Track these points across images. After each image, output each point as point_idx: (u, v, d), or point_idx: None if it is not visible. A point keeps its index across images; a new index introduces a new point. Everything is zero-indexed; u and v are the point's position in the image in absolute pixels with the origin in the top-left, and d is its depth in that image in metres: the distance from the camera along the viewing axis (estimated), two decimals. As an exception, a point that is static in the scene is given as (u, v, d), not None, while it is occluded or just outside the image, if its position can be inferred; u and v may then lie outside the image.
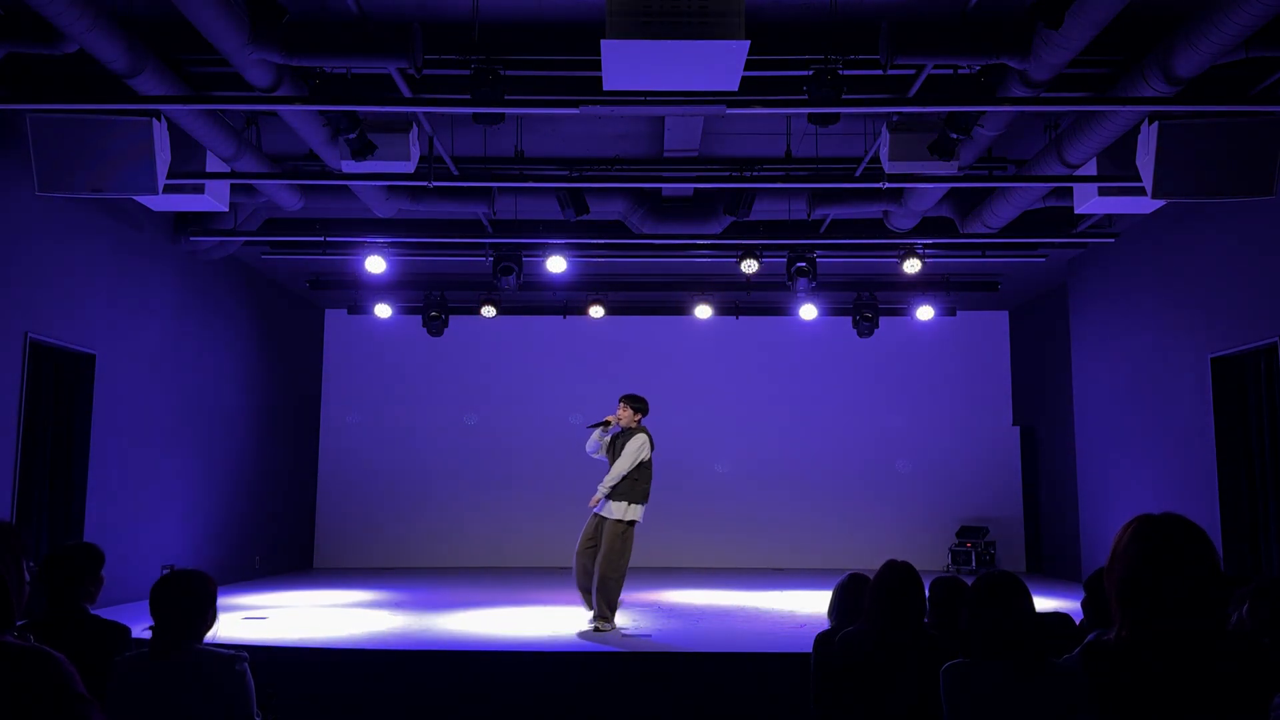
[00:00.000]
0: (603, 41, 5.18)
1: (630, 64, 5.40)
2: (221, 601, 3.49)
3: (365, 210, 9.38)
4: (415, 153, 7.33)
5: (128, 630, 3.75)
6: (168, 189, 7.52)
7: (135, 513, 9.52)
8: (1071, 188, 8.42)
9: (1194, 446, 9.01)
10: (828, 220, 10.11)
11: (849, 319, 12.99)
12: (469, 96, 6.51)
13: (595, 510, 7.78)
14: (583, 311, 13.10)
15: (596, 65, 6.13)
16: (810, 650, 4.18)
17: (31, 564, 2.39)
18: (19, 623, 2.39)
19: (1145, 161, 6.94)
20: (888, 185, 8.25)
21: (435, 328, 12.76)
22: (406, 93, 6.81)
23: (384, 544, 13.88)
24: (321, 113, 7.05)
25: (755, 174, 8.77)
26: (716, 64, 5.39)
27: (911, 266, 10.67)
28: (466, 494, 14.07)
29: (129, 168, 6.87)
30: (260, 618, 8.29)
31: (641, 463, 7.82)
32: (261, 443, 12.42)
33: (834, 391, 14.21)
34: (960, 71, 6.63)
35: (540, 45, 6.67)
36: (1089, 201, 8.16)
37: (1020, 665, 3.11)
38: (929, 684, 3.43)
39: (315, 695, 6.30)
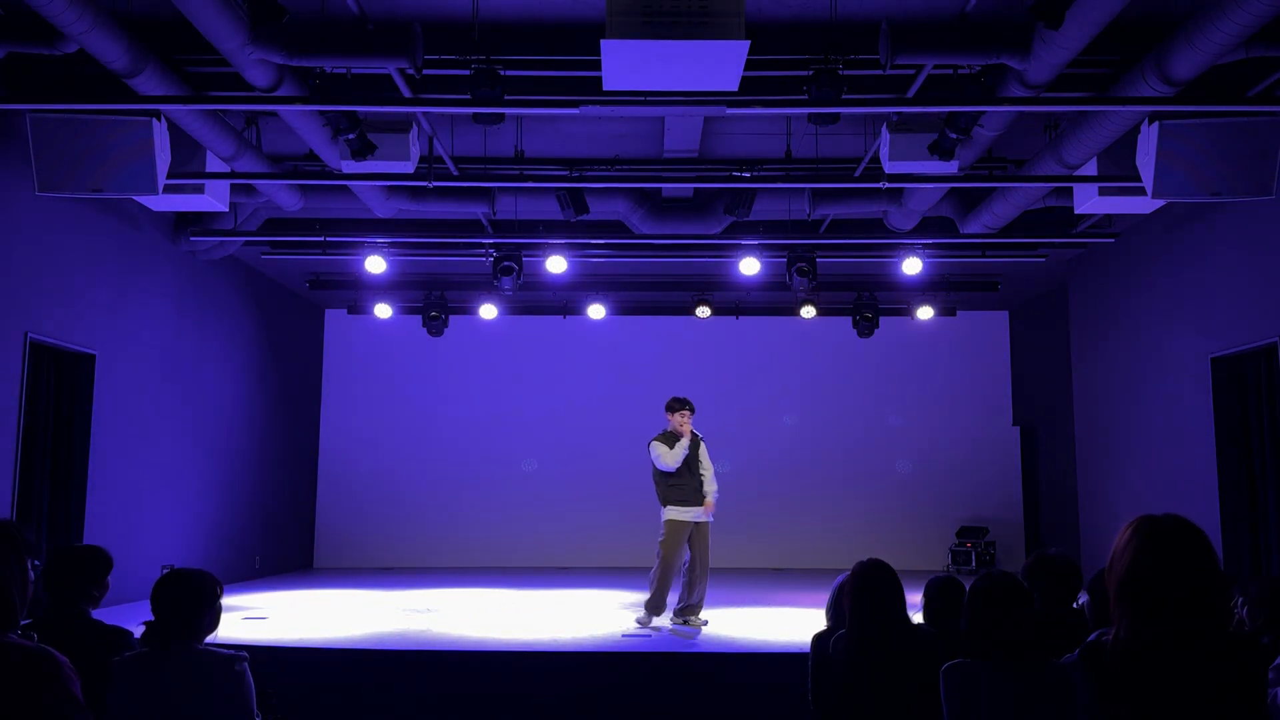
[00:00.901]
0: (603, 41, 5.18)
1: (630, 64, 5.40)
2: (221, 601, 3.49)
3: (365, 210, 9.38)
4: (415, 153, 7.33)
5: (129, 634, 3.72)
6: (168, 189, 7.52)
7: (135, 513, 9.52)
8: (1071, 188, 8.42)
9: (1194, 446, 9.01)
10: (828, 220, 10.11)
11: (849, 319, 12.99)
12: (469, 96, 6.52)
13: (692, 519, 7.93)
14: (582, 311, 13.11)
15: (596, 65, 6.13)
16: (808, 650, 4.18)
17: (37, 562, 2.39)
18: (23, 622, 2.38)
19: (1145, 161, 6.94)
20: (888, 185, 8.25)
21: (435, 328, 12.76)
22: (406, 93, 6.81)
23: (384, 544, 13.88)
24: (321, 113, 7.05)
25: (755, 174, 8.76)
26: (716, 64, 5.39)
27: (911, 266, 10.67)
28: (467, 494, 14.07)
29: (129, 168, 6.86)
30: (260, 618, 8.30)
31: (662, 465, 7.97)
32: (261, 443, 12.42)
33: (834, 392, 14.21)
34: (960, 71, 6.63)
35: (540, 45, 6.67)
36: (1089, 201, 8.16)
37: (1020, 665, 3.11)
38: (919, 681, 3.43)
39: (315, 695, 6.30)
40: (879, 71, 6.44)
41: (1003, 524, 13.77)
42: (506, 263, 10.39)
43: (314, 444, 14.16)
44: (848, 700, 3.70)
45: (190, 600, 3.36)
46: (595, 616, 8.56)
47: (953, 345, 14.27)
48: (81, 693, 2.23)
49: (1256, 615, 3.73)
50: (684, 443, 7.98)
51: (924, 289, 12.72)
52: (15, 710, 2.13)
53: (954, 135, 7.04)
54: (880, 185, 8.27)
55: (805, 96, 6.46)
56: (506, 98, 6.62)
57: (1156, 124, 6.79)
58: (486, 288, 12.29)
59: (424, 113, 7.48)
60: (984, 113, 7.06)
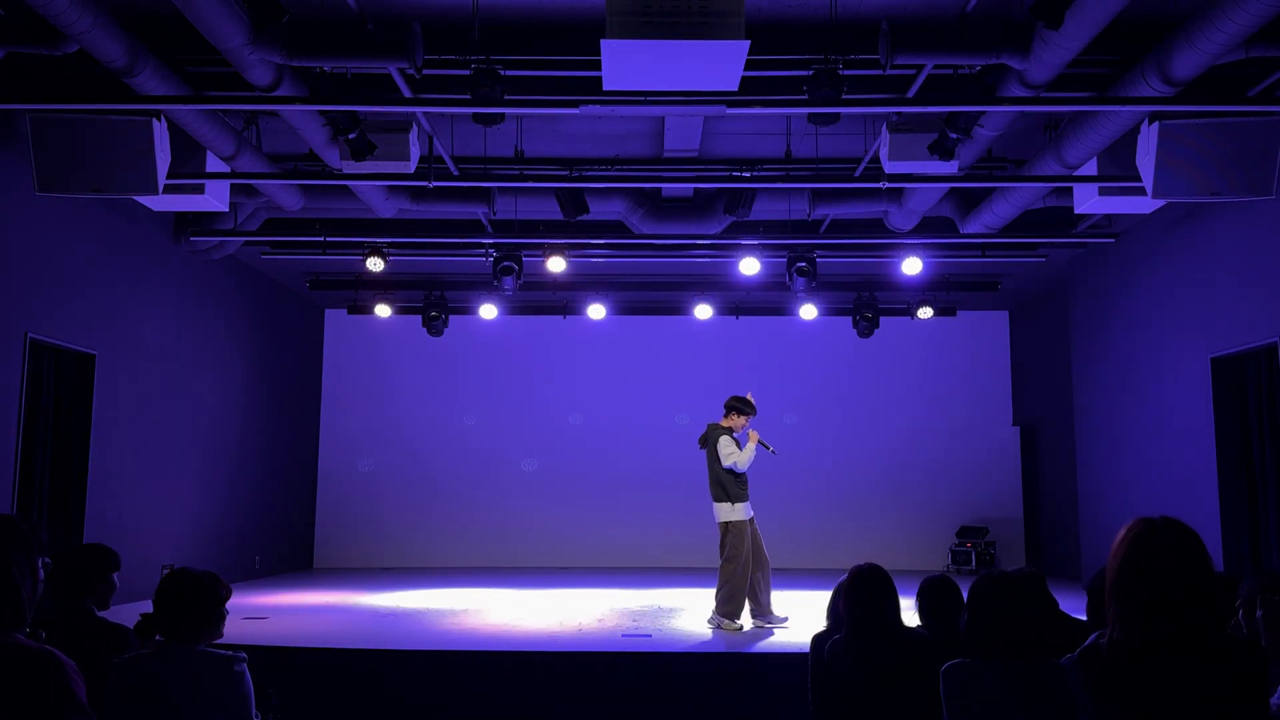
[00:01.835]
0: (603, 41, 5.18)
1: (630, 64, 5.40)
2: (227, 602, 3.48)
3: (365, 210, 9.38)
4: (415, 153, 7.33)
5: (130, 632, 3.73)
6: (168, 189, 7.52)
7: (135, 513, 9.52)
8: (1071, 188, 8.42)
9: (1194, 446, 9.01)
10: (828, 220, 10.11)
11: (849, 319, 12.99)
12: (469, 96, 6.52)
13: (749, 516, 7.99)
14: (582, 311, 13.12)
15: (596, 65, 6.13)
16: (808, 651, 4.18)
17: (47, 560, 2.39)
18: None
19: (1145, 161, 6.94)
20: (888, 185, 8.25)
21: (435, 328, 12.76)
22: (406, 93, 6.81)
23: (384, 544, 13.88)
24: (321, 113, 7.05)
25: (755, 174, 8.77)
26: (716, 64, 5.39)
27: (911, 266, 10.67)
28: (467, 494, 14.07)
29: (129, 168, 6.87)
30: (260, 618, 8.30)
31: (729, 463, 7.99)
32: (261, 443, 12.42)
33: (834, 392, 14.21)
34: (960, 71, 6.63)
35: (540, 45, 6.67)
36: (1089, 201, 8.16)
37: (1020, 665, 3.11)
38: (917, 684, 3.44)
39: (315, 695, 6.30)
40: (879, 71, 6.44)
41: (1003, 524, 13.77)
42: (506, 263, 10.39)
43: (314, 444, 14.16)
44: (844, 703, 3.71)
45: (194, 600, 3.34)
46: (595, 616, 8.56)
47: (953, 345, 14.27)
48: (85, 694, 2.23)
49: (1250, 616, 3.72)
50: (752, 445, 8.01)
51: (924, 289, 12.71)
52: (18, 711, 2.13)
53: (954, 135, 7.04)
54: (880, 185, 8.27)
55: (805, 96, 6.46)
56: (506, 98, 6.62)
57: (1156, 124, 6.79)
58: (486, 288, 12.28)
59: (424, 113, 7.48)
60: (984, 113, 7.06)
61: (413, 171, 7.57)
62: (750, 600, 7.87)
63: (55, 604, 3.74)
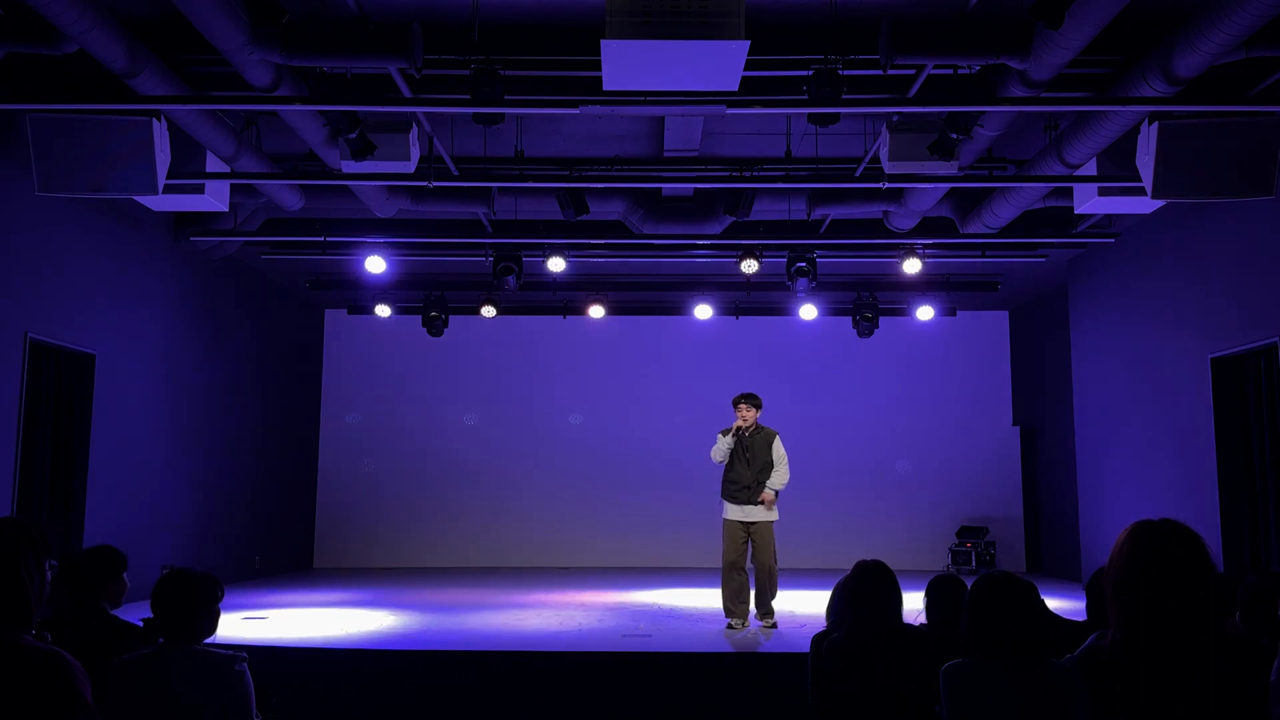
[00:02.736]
0: (603, 41, 5.18)
1: (630, 64, 5.40)
2: (221, 600, 3.49)
3: (365, 210, 9.38)
4: (415, 153, 7.33)
5: (143, 630, 3.79)
6: (168, 189, 7.52)
7: (135, 513, 9.52)
8: (1071, 188, 8.42)
9: (1194, 446, 9.01)
10: (828, 220, 10.10)
11: (849, 319, 12.98)
12: (469, 96, 6.51)
13: (746, 518, 7.83)
14: (582, 311, 13.12)
15: (596, 65, 6.12)
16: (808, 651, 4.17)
17: (54, 562, 2.40)
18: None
19: (1145, 161, 6.94)
20: (888, 185, 8.25)
21: (435, 328, 12.76)
22: (406, 93, 6.81)
23: (384, 544, 13.89)
24: (321, 113, 7.05)
25: (755, 174, 8.77)
26: (716, 64, 5.39)
27: (911, 266, 10.67)
28: (467, 494, 14.07)
29: (129, 168, 6.87)
30: (260, 618, 8.30)
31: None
32: (261, 443, 12.42)
33: (834, 392, 14.21)
34: (960, 71, 6.63)
35: (540, 45, 6.67)
36: (1089, 201, 8.16)
37: (1020, 665, 3.11)
38: (917, 683, 3.43)
39: (315, 695, 6.30)
40: (879, 71, 6.43)
41: (1003, 524, 13.77)
42: (506, 263, 10.39)
43: (314, 444, 14.16)
44: (843, 702, 3.70)
45: (191, 600, 3.36)
46: (595, 616, 8.56)
47: (953, 345, 14.27)
48: (91, 694, 2.24)
49: (1249, 616, 3.72)
50: (730, 438, 7.95)
51: (924, 289, 12.71)
52: (26, 711, 2.14)
53: (954, 135, 7.03)
54: (880, 185, 8.27)
55: (805, 96, 6.46)
56: (506, 98, 6.62)
57: (1156, 124, 6.79)
58: (486, 288, 12.28)
59: (424, 113, 7.48)
60: (984, 113, 7.06)
61: (413, 171, 7.56)
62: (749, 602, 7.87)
63: (70, 604, 3.83)
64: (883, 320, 12.90)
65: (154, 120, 6.81)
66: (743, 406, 7.99)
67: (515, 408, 14.24)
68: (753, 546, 7.82)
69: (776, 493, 7.94)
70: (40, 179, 6.88)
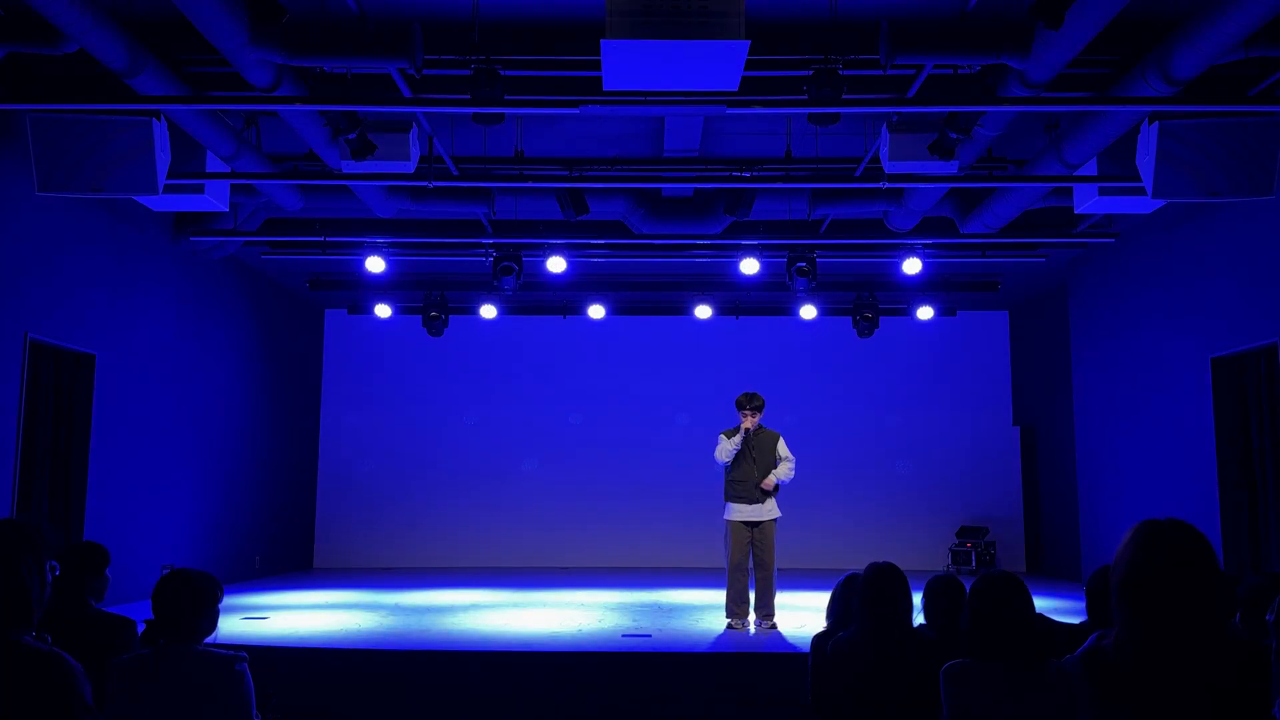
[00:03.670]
0: (603, 41, 5.18)
1: (630, 64, 5.40)
2: (221, 601, 3.50)
3: (365, 210, 9.38)
4: (415, 153, 7.33)
5: (134, 624, 3.84)
6: (168, 189, 7.52)
7: (135, 513, 9.52)
8: (1071, 188, 8.42)
9: (1194, 446, 9.01)
10: (828, 220, 10.11)
11: (849, 319, 12.99)
12: (469, 96, 6.52)
13: (750, 518, 7.81)
14: (583, 311, 13.12)
15: (596, 65, 6.13)
16: (808, 651, 4.17)
17: (55, 564, 2.40)
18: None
19: (1145, 161, 6.95)
20: (888, 185, 8.25)
21: (435, 328, 12.76)
22: (406, 93, 6.81)
23: (384, 544, 13.88)
24: (321, 113, 7.05)
25: (755, 174, 8.77)
26: (716, 64, 5.39)
27: (911, 266, 10.67)
28: (467, 494, 14.07)
29: (129, 168, 6.87)
30: (260, 618, 8.30)
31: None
32: (261, 443, 12.42)
33: (834, 392, 14.21)
34: (960, 71, 6.64)
35: (540, 45, 6.67)
36: (1089, 201, 8.16)
37: (1020, 665, 3.11)
38: (923, 684, 3.43)
39: (315, 695, 6.30)
40: (879, 71, 6.44)
41: (1003, 524, 13.76)
42: (506, 263, 10.39)
43: (314, 444, 14.16)
44: (855, 703, 3.69)
45: (191, 600, 3.36)
46: (595, 616, 8.56)
47: (953, 345, 14.27)
48: (92, 696, 2.24)
49: (1249, 617, 3.72)
50: (735, 439, 7.94)
51: (924, 289, 12.72)
52: (26, 713, 2.14)
53: (954, 135, 7.03)
54: (880, 185, 8.27)
55: (805, 96, 6.46)
56: (506, 98, 6.62)
57: (1156, 124, 6.79)
58: (486, 288, 12.29)
59: (424, 113, 7.48)
60: (984, 113, 7.06)
61: (413, 171, 7.57)
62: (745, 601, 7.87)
63: (57, 602, 3.82)
64: (883, 320, 12.90)
65: (154, 120, 6.82)
66: (748, 410, 7.98)
67: (515, 408, 14.24)
68: (755, 546, 7.80)
69: (777, 485, 7.93)
70: (40, 179, 6.88)
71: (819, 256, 10.69)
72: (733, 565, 7.82)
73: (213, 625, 3.42)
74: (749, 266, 10.63)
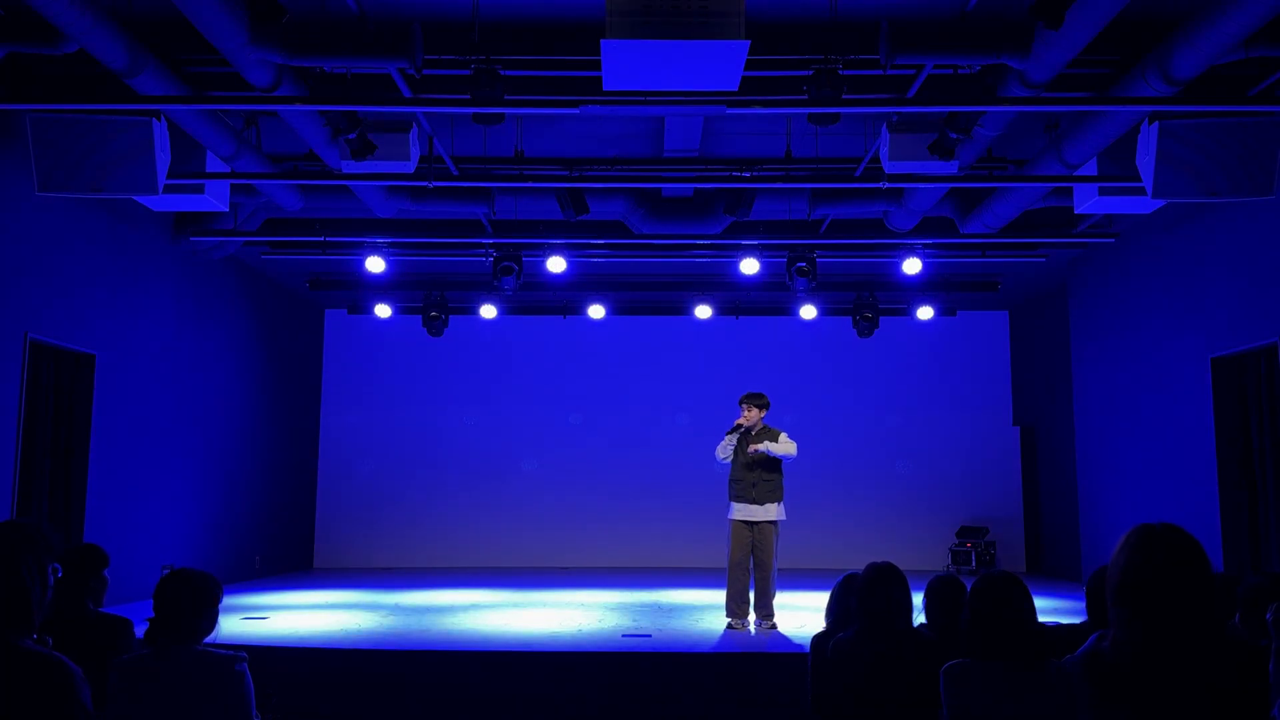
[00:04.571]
0: (603, 41, 5.18)
1: (630, 64, 5.40)
2: (221, 601, 3.50)
3: (365, 210, 9.38)
4: (415, 153, 7.33)
5: (132, 624, 3.86)
6: (168, 189, 7.52)
7: (135, 513, 9.52)
8: (1071, 188, 8.42)
9: (1194, 446, 9.01)
10: (828, 220, 10.11)
11: (849, 319, 12.99)
12: (469, 96, 6.52)
13: (748, 518, 7.81)
14: (583, 311, 13.12)
15: (596, 65, 6.13)
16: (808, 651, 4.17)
17: (57, 566, 2.40)
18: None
19: (1145, 161, 6.95)
20: (888, 185, 8.25)
21: (435, 328, 12.76)
22: (406, 93, 6.81)
23: (384, 544, 13.88)
24: (321, 113, 7.05)
25: (755, 174, 8.77)
26: (716, 64, 5.39)
27: (911, 266, 10.67)
28: (467, 494, 14.07)
29: (129, 168, 6.87)
30: (260, 618, 8.30)
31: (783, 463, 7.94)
32: (261, 443, 12.42)
33: (834, 391, 14.21)
34: (960, 71, 6.63)
35: (540, 45, 6.67)
36: (1089, 201, 8.16)
37: (1020, 665, 3.11)
38: (922, 684, 3.43)
39: (315, 695, 6.30)
40: (879, 71, 6.44)
41: (1003, 524, 13.76)
42: (506, 263, 10.39)
43: (314, 444, 14.16)
44: (848, 702, 3.69)
45: (191, 600, 3.36)
46: (595, 616, 8.56)
47: (953, 345, 14.27)
48: (90, 700, 2.24)
49: (1248, 617, 3.72)
50: (732, 438, 7.96)
51: (924, 289, 12.72)
52: (26, 716, 2.14)
53: (954, 135, 7.04)
54: (880, 185, 8.27)
55: (805, 96, 6.46)
56: (506, 98, 6.62)
57: (1156, 124, 6.80)
58: (486, 288, 12.29)
59: (424, 113, 7.48)
60: (984, 113, 7.06)
61: (413, 171, 7.57)
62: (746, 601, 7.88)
63: (56, 604, 3.83)
64: (883, 320, 12.90)
65: (154, 120, 6.82)
66: (745, 407, 7.99)
67: (515, 408, 14.24)
68: (754, 546, 7.80)
69: (766, 455, 7.81)
70: (40, 179, 6.88)
71: (819, 256, 10.69)
72: (732, 564, 7.82)
73: (212, 625, 3.42)
74: (749, 266, 10.63)
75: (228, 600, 3.64)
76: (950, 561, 13.21)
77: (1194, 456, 9.00)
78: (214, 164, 7.91)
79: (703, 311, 13.03)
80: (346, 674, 6.58)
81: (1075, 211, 8.58)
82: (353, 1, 6.14)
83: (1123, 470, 10.44)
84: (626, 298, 13.43)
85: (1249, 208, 8.02)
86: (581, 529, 13.93)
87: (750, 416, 7.96)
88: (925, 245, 10.53)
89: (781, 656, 6.63)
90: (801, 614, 8.42)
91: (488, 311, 12.88)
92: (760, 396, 8.05)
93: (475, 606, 9.24)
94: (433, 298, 12.75)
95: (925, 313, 12.86)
